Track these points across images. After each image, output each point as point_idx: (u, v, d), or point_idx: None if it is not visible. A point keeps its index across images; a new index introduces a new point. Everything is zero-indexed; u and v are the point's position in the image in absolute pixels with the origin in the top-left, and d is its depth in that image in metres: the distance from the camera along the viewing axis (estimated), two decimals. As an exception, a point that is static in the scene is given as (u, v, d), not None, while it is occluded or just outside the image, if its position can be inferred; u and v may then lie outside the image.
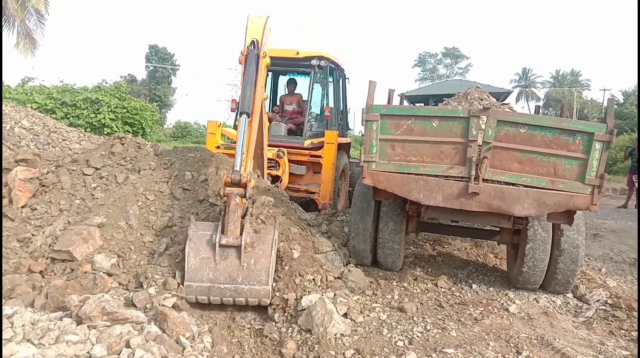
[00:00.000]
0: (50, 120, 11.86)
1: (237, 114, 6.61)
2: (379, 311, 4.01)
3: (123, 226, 4.26)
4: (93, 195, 4.57)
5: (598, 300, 4.61)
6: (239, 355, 3.32)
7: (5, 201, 4.46)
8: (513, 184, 4.01)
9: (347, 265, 4.73)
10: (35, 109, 14.22)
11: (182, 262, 3.78)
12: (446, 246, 6.35)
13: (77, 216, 4.33)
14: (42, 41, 19.72)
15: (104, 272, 3.79)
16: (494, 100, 5.41)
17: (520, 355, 3.42)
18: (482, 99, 5.13)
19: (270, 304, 3.70)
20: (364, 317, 3.83)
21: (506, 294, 4.66)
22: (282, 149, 7.14)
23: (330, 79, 8.60)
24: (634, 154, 11.72)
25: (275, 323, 3.58)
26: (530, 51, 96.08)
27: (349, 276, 4.29)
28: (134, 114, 20.68)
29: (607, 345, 3.73)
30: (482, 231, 5.61)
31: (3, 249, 3.96)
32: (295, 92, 8.70)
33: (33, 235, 4.17)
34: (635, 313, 4.26)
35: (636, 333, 3.97)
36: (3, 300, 3.41)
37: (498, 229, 5.10)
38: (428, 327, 3.81)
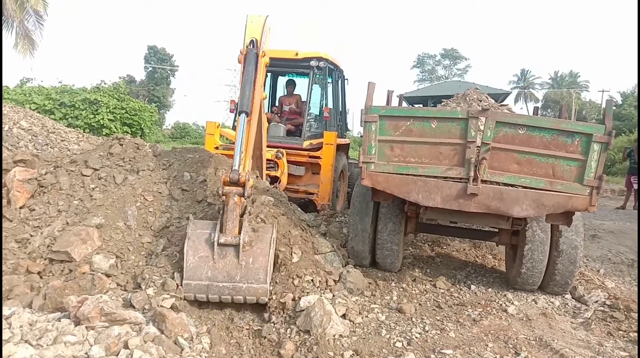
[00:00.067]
0: (49, 121, 11.87)
1: (236, 114, 6.61)
2: (378, 312, 4.01)
3: (121, 227, 4.26)
4: (91, 196, 4.56)
5: (596, 301, 4.62)
6: (237, 356, 3.32)
7: (3, 202, 4.45)
8: (512, 186, 4.02)
9: (345, 265, 4.73)
10: (33, 110, 14.23)
11: (180, 262, 3.78)
12: (445, 247, 6.35)
13: (76, 216, 4.32)
14: (40, 42, 19.76)
15: (102, 273, 3.78)
16: (493, 101, 5.42)
17: (518, 356, 3.42)
18: (480, 101, 5.13)
19: (268, 307, 3.70)
20: (362, 318, 3.83)
21: (505, 295, 4.67)
22: (281, 150, 7.13)
23: (329, 80, 8.61)
24: (633, 156, 11.75)
25: (274, 324, 3.58)
26: (529, 52, 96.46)
27: (348, 277, 4.29)
28: (133, 115, 20.69)
29: (606, 346, 3.73)
30: (480, 232, 5.62)
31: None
32: (294, 93, 8.71)
33: (31, 235, 4.16)
34: (634, 314, 4.27)
35: (634, 334, 3.98)
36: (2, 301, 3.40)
37: (497, 230, 5.11)
38: (427, 328, 3.81)
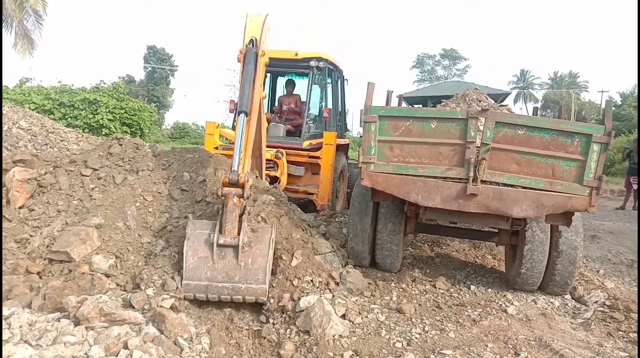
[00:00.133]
0: (48, 121, 11.85)
1: (235, 114, 6.60)
2: (377, 313, 4.01)
3: (121, 227, 4.25)
4: (91, 196, 4.56)
5: (596, 302, 4.62)
6: (237, 356, 3.32)
7: (3, 202, 4.45)
8: (511, 186, 4.01)
9: (345, 266, 4.73)
10: (33, 110, 14.21)
11: (179, 263, 3.78)
12: (444, 247, 6.35)
13: (75, 217, 4.32)
14: (40, 42, 19.80)
15: (101, 273, 3.78)
16: (492, 101, 5.42)
17: (518, 356, 3.42)
18: (480, 101, 5.14)
19: (268, 308, 3.70)
20: (362, 318, 3.83)
21: (504, 295, 4.67)
22: (281, 150, 7.13)
23: (329, 80, 8.61)
24: (632, 156, 11.75)
25: (274, 324, 3.58)
26: (529, 53, 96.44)
27: (348, 278, 4.29)
28: (132, 115, 20.68)
29: (605, 347, 3.73)
30: (480, 233, 5.62)
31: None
32: (293, 93, 8.70)
33: (31, 235, 4.16)
34: (633, 315, 4.27)
35: (634, 334, 3.98)
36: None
37: (496, 230, 5.10)
38: (426, 328, 3.81)
